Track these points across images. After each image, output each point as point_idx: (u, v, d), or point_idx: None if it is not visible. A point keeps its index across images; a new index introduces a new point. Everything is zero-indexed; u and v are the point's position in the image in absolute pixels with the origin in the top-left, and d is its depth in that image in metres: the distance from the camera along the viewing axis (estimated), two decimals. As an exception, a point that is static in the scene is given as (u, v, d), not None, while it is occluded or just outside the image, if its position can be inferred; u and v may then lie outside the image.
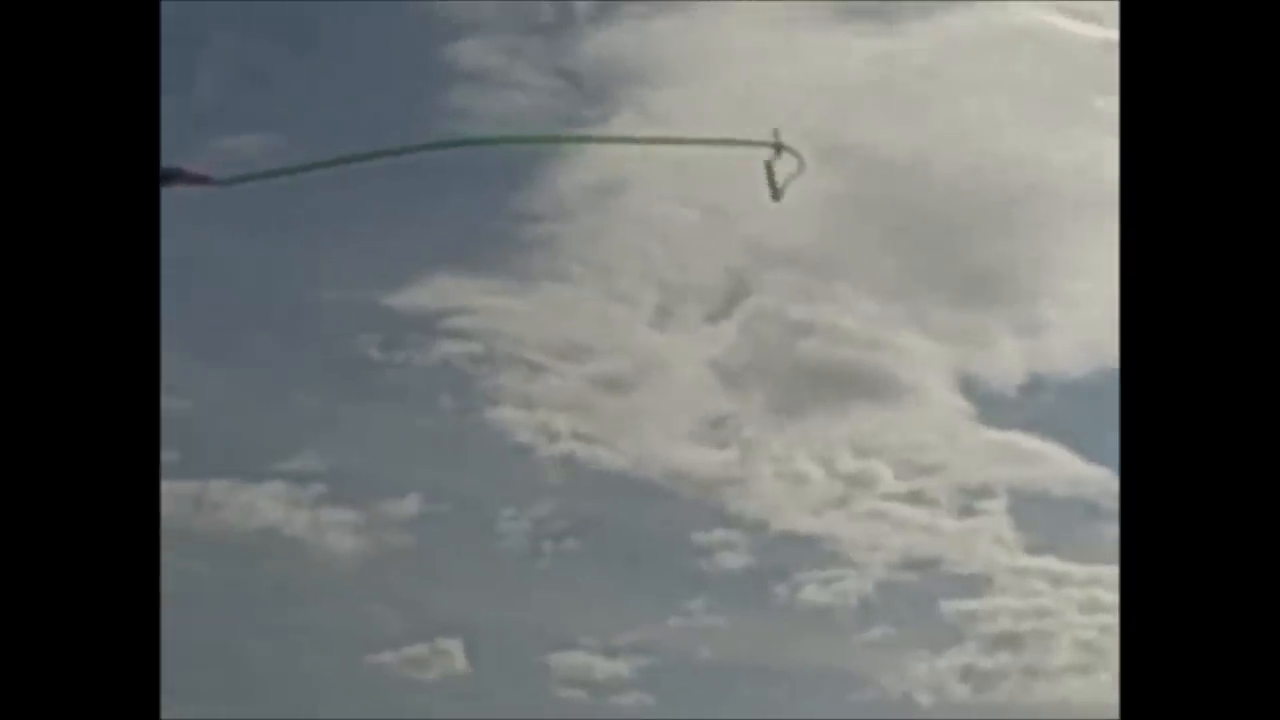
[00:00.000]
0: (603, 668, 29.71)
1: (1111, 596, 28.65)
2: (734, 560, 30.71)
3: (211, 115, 30.00)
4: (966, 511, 31.19)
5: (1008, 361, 31.61)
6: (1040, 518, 30.91)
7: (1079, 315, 31.63)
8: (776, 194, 9.29)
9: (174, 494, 28.89)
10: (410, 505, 30.04)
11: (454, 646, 29.15)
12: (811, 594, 30.67)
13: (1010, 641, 29.98)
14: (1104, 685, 28.69)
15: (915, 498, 31.11)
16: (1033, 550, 30.71)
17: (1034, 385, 31.85)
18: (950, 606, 30.55)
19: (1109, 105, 27.98)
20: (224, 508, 29.26)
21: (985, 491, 31.15)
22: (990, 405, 31.51)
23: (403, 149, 9.97)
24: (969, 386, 31.83)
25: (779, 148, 9.26)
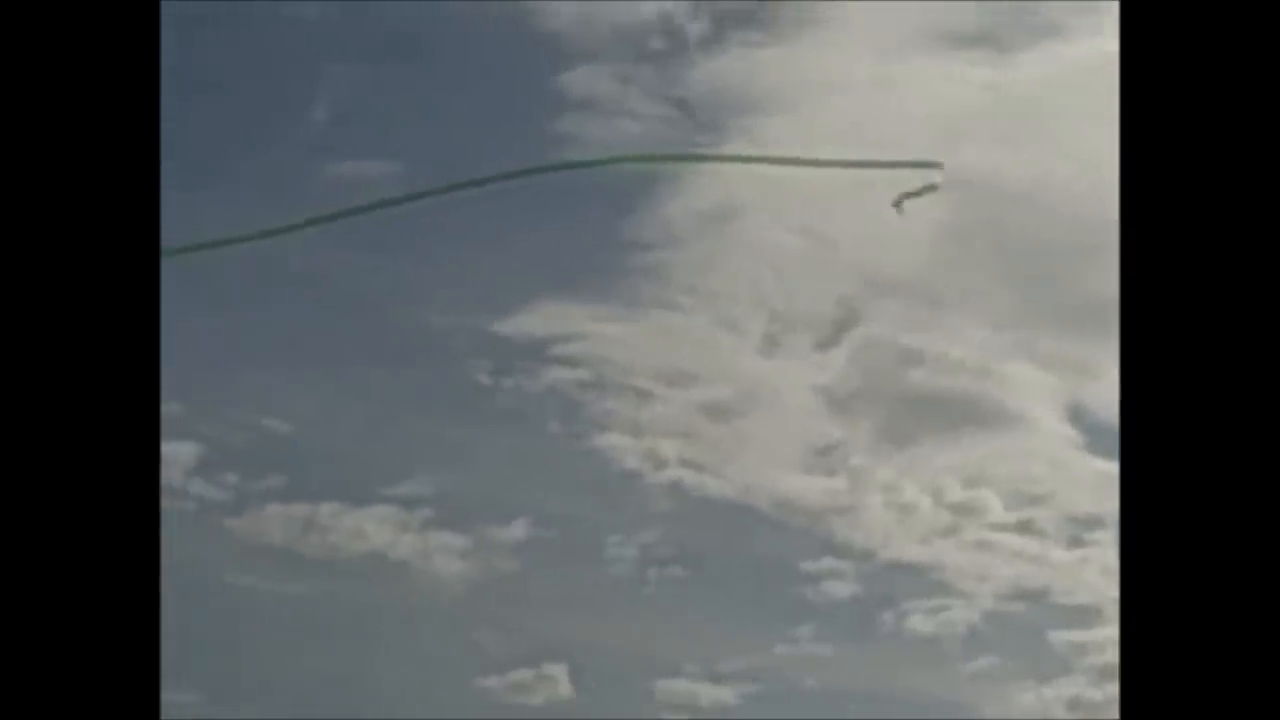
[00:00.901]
0: (708, 694, 29.71)
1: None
2: (841, 589, 30.63)
3: (327, 143, 30.45)
4: (1075, 542, 30.95)
5: (1117, 392, 31.25)
6: (1149, 549, 30.47)
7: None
8: (900, 205, 9.38)
9: (283, 517, 29.26)
10: (517, 530, 30.23)
11: (559, 671, 29.25)
12: (918, 623, 30.55)
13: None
14: (1210, 718, 28.24)
15: (1024, 527, 30.90)
16: (1142, 582, 30.27)
17: (1143, 416, 31.41)
18: (1058, 637, 30.30)
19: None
20: (332, 531, 29.55)
21: (1094, 522, 30.93)
22: (1099, 435, 31.23)
23: (500, 176, 10.11)
24: (1078, 416, 31.61)
25: (926, 166, 9.38)
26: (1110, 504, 30.93)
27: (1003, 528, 30.93)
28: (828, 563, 30.69)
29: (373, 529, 29.73)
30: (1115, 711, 7.55)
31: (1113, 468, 31.08)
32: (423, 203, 10.02)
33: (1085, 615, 30.40)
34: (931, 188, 9.39)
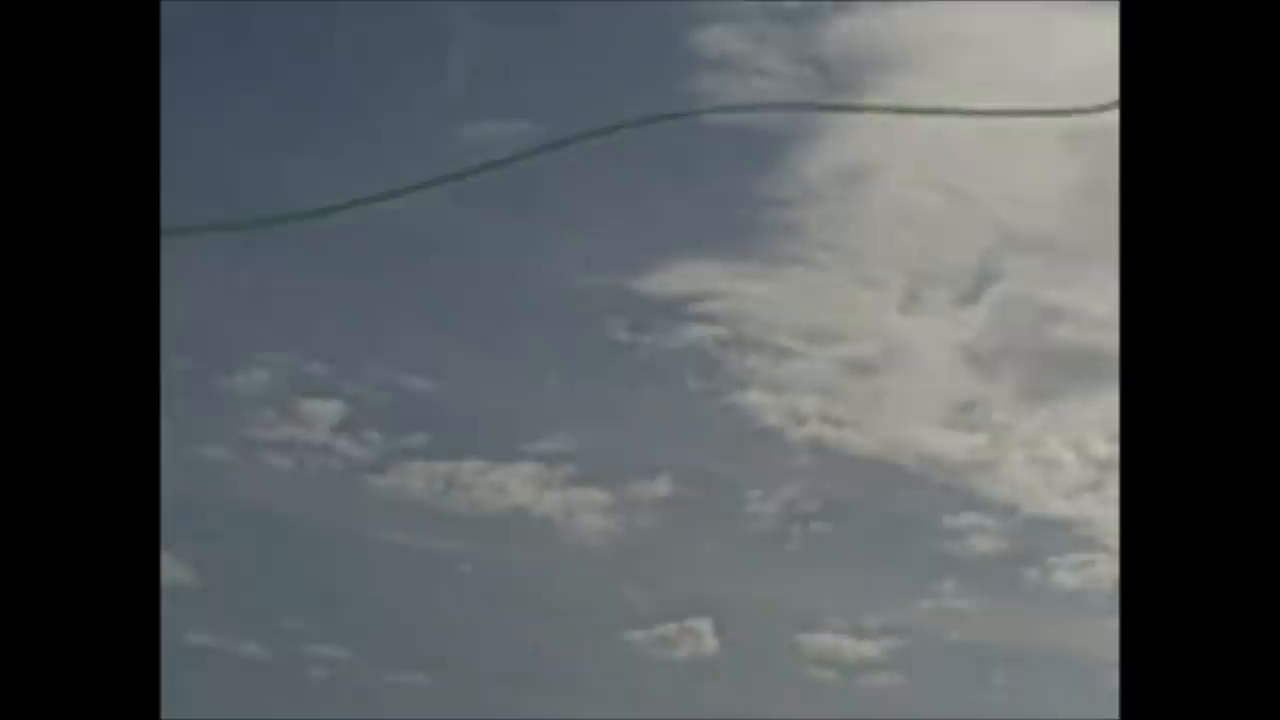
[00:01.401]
0: (852, 649, 29.82)
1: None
2: (985, 544, 30.59)
3: (461, 104, 30.73)
4: (1217, 493, 30.50)
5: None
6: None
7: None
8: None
9: (426, 474, 29.68)
10: (660, 486, 30.45)
11: (704, 626, 29.48)
12: (1063, 578, 30.46)
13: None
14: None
15: (1168, 482, 30.47)
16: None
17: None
18: (1202, 591, 29.90)
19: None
20: (475, 488, 29.93)
21: (1236, 473, 30.44)
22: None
23: (621, 125, 10.14)
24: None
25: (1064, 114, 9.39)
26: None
27: (1147, 482, 30.56)
28: (970, 518, 30.67)
29: (515, 486, 30.09)
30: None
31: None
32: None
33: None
34: None
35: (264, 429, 29.35)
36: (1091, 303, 31.15)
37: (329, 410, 29.52)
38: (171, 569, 27.71)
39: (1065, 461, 31.01)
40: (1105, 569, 30.33)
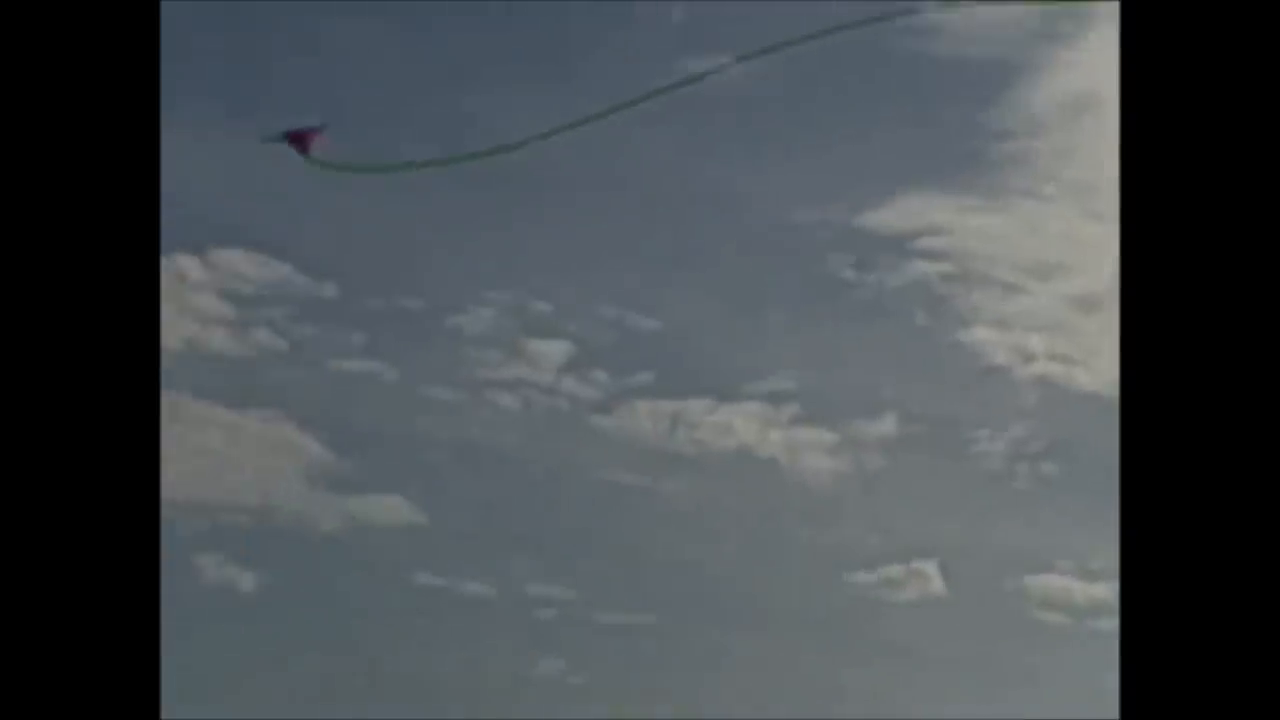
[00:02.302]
0: (1082, 591, 29.36)
1: None
2: (1214, 484, 29.80)
3: (682, 39, 30.61)
4: None
5: None
6: None
7: None
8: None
9: (652, 413, 29.83)
10: (885, 426, 30.20)
11: (930, 568, 29.22)
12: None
13: None
14: None
15: None
16: None
17: None
18: None
19: None
20: (700, 427, 30.03)
21: None
22: None
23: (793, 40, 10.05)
24: None
25: None
26: None
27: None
28: (1200, 456, 29.90)
29: (740, 424, 30.09)
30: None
31: None
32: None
33: None
34: None
35: (490, 369, 29.81)
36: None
37: (555, 350, 29.78)
38: (401, 509, 28.37)
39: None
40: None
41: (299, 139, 9.99)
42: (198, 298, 28.60)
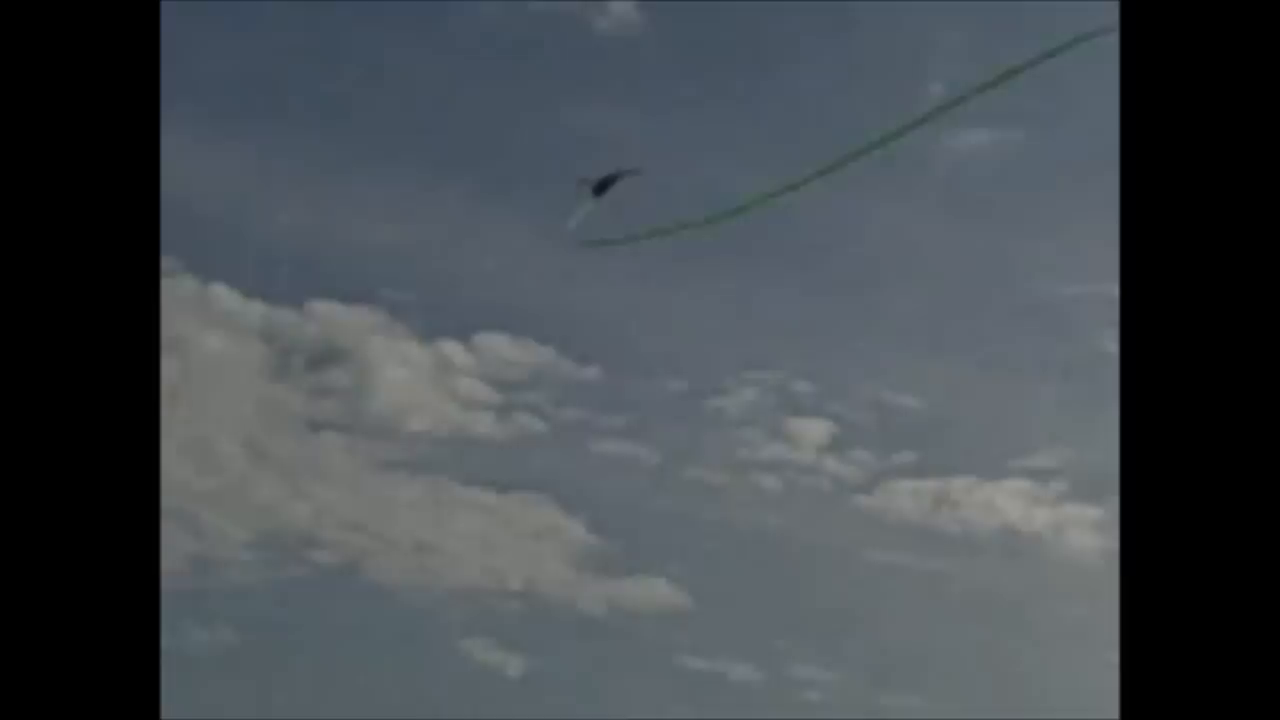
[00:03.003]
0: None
1: None
2: None
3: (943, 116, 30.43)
4: None
5: None
6: None
7: None
8: None
9: (914, 493, 29.62)
10: (1154, 502, 29.53)
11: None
12: None
13: None
14: None
15: None
16: None
17: None
18: None
19: None
20: (964, 505, 29.73)
21: None
22: None
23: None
24: None
25: None
26: None
27: None
28: None
29: (1004, 502, 29.73)
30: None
31: None
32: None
33: None
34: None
35: (752, 450, 29.92)
36: None
37: (817, 430, 29.72)
38: (665, 591, 28.58)
39: None
40: None
41: (604, 186, 10.24)
42: (462, 383, 29.31)
